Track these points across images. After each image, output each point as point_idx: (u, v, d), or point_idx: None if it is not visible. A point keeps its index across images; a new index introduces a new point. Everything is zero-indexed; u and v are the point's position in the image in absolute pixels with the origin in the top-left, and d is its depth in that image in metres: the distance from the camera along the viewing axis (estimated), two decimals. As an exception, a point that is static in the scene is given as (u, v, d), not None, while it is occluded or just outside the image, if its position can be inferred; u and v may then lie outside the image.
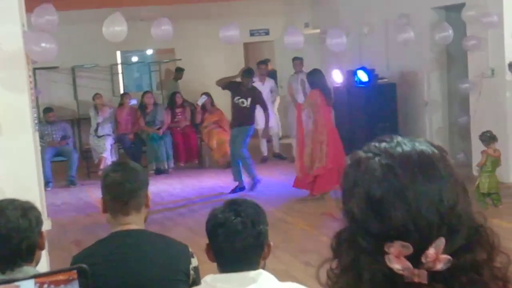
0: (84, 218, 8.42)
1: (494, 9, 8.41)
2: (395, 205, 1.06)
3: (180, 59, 13.74)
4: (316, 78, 8.49)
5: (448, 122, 10.10)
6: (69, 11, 7.25)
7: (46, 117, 10.80)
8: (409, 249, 1.04)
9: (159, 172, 10.87)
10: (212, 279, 2.12)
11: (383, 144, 1.13)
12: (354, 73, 10.23)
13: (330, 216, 7.50)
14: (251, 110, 9.12)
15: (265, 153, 11.67)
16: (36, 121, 5.66)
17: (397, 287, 1.05)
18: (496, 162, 7.23)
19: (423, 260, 1.04)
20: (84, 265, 1.34)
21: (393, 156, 1.10)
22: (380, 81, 10.21)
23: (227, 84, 9.19)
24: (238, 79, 9.24)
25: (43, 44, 5.45)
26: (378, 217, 1.07)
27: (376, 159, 1.11)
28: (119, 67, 14.11)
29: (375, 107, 9.89)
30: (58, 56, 6.07)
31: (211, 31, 13.25)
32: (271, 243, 2.23)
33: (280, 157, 11.73)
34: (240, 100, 9.00)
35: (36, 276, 1.38)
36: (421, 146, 1.12)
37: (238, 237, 2.12)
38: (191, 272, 2.57)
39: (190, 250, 2.66)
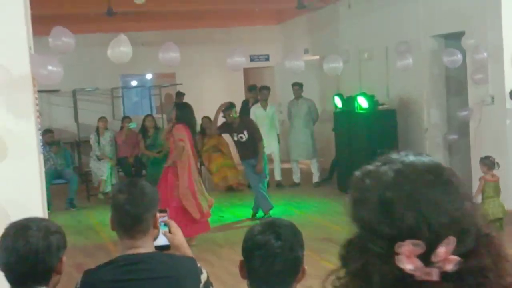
0: (84, 241, 8.39)
1: (494, 37, 8.50)
2: (407, 206, 1.09)
3: (181, 84, 13.81)
4: (183, 112, 8.02)
5: (448, 151, 10.12)
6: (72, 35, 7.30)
7: (45, 138, 10.80)
8: (421, 247, 1.05)
9: (159, 195, 10.83)
10: None
11: (391, 156, 1.18)
12: (354, 99, 10.29)
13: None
14: (251, 142, 8.89)
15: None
16: (41, 144, 5.68)
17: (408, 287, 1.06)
18: (497, 186, 7.25)
19: (433, 259, 1.06)
20: None
21: (403, 163, 1.15)
22: (380, 107, 10.26)
23: (220, 129, 9.15)
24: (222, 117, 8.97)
25: (49, 67, 5.49)
26: (389, 219, 1.09)
27: (386, 166, 1.15)
28: (120, 90, 14.17)
29: (375, 133, 9.93)
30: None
31: (212, 56, 13.37)
32: (306, 267, 2.21)
33: (281, 185, 11.68)
34: (239, 136, 8.88)
35: None
36: (427, 158, 1.17)
37: (275, 261, 2.11)
38: None
39: (199, 265, 2.60)
